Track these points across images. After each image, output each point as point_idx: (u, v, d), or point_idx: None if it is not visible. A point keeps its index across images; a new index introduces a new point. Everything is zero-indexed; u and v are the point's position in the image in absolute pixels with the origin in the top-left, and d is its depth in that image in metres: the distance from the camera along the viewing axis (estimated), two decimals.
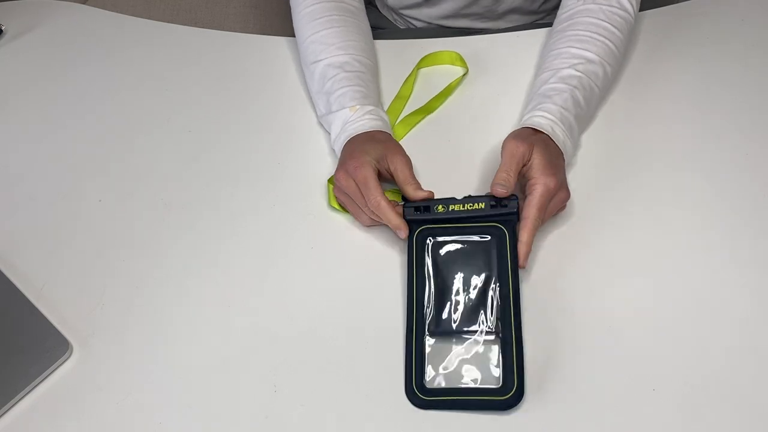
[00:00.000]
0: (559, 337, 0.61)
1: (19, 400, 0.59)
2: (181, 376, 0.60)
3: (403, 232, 0.65)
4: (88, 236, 0.70)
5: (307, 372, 0.60)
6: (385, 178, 0.68)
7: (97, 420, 0.58)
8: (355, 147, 0.69)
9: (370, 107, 0.73)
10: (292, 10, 0.82)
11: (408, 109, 0.79)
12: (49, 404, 0.59)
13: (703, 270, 0.64)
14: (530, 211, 0.62)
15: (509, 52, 0.84)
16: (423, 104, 0.79)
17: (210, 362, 0.61)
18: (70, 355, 0.62)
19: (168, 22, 0.93)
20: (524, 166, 0.64)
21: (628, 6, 0.76)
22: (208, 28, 0.91)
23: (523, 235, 0.62)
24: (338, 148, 0.72)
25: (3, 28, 0.92)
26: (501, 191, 0.63)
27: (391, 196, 0.68)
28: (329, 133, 0.75)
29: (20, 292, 0.66)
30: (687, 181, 0.71)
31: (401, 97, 0.80)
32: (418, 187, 0.66)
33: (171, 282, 0.67)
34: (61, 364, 0.61)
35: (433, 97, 0.80)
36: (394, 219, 0.64)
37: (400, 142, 0.72)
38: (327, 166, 0.74)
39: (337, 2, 0.80)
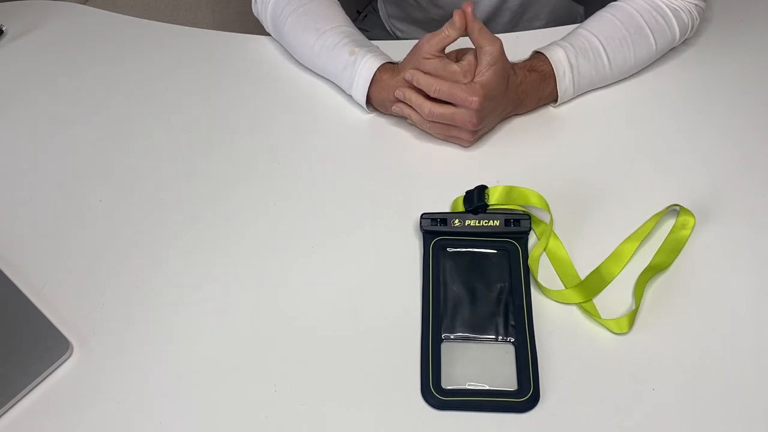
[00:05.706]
0: (559, 338, 0.61)
1: (19, 400, 0.59)
2: (181, 375, 0.60)
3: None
4: (88, 236, 0.70)
5: (308, 372, 0.60)
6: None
7: (97, 420, 0.58)
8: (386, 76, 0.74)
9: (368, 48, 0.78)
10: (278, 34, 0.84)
11: None
12: (49, 404, 0.59)
13: (704, 269, 0.64)
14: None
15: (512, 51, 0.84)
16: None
17: (210, 362, 0.61)
18: (70, 355, 0.62)
19: (168, 22, 0.93)
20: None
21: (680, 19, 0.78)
22: (208, 28, 0.91)
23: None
24: (362, 88, 0.76)
25: (3, 28, 0.92)
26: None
27: None
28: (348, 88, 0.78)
29: (20, 292, 0.66)
30: (688, 180, 0.71)
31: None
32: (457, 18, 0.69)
33: (171, 282, 0.67)
34: (61, 364, 0.61)
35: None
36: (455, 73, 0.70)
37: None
38: (327, 166, 0.74)
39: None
